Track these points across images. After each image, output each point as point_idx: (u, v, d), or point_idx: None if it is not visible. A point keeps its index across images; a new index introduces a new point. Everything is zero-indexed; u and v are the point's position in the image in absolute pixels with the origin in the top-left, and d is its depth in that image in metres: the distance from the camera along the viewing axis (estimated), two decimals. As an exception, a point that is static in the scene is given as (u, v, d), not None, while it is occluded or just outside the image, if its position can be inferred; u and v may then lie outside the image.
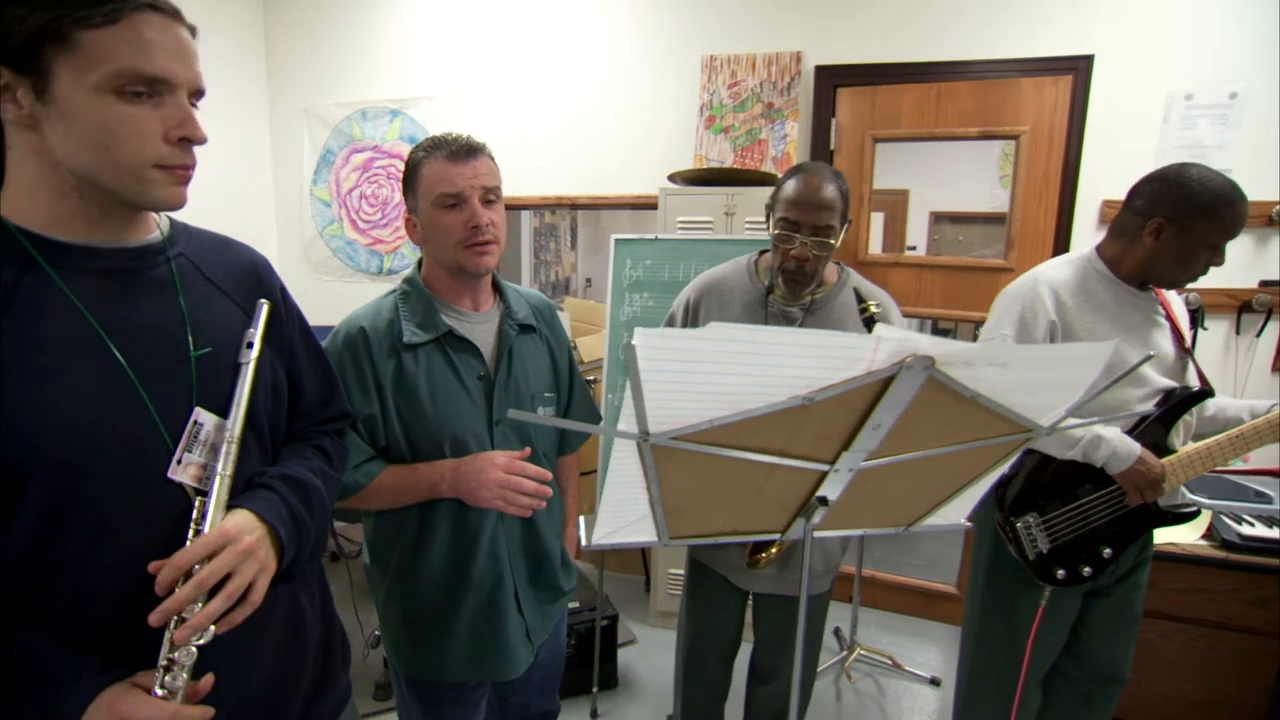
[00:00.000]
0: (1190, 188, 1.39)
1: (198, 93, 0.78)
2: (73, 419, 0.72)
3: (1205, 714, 2.03)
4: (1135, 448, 1.45)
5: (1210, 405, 1.58)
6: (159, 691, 0.72)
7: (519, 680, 1.42)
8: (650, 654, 2.71)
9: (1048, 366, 0.67)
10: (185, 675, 0.74)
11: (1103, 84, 2.46)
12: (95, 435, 0.73)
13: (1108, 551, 1.53)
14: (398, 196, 3.32)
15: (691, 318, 1.63)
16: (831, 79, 2.75)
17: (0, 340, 0.70)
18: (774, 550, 1.43)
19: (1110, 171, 2.45)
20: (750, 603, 1.75)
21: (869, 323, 1.35)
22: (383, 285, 3.50)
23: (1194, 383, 1.55)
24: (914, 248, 5.02)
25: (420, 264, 1.31)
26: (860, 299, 1.40)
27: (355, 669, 2.56)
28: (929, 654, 2.74)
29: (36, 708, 0.69)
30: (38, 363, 0.71)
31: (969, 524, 0.90)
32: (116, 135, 0.71)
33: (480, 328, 1.28)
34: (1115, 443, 1.45)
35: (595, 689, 2.41)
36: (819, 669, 2.55)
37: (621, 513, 0.73)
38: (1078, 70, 2.49)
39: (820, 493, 0.75)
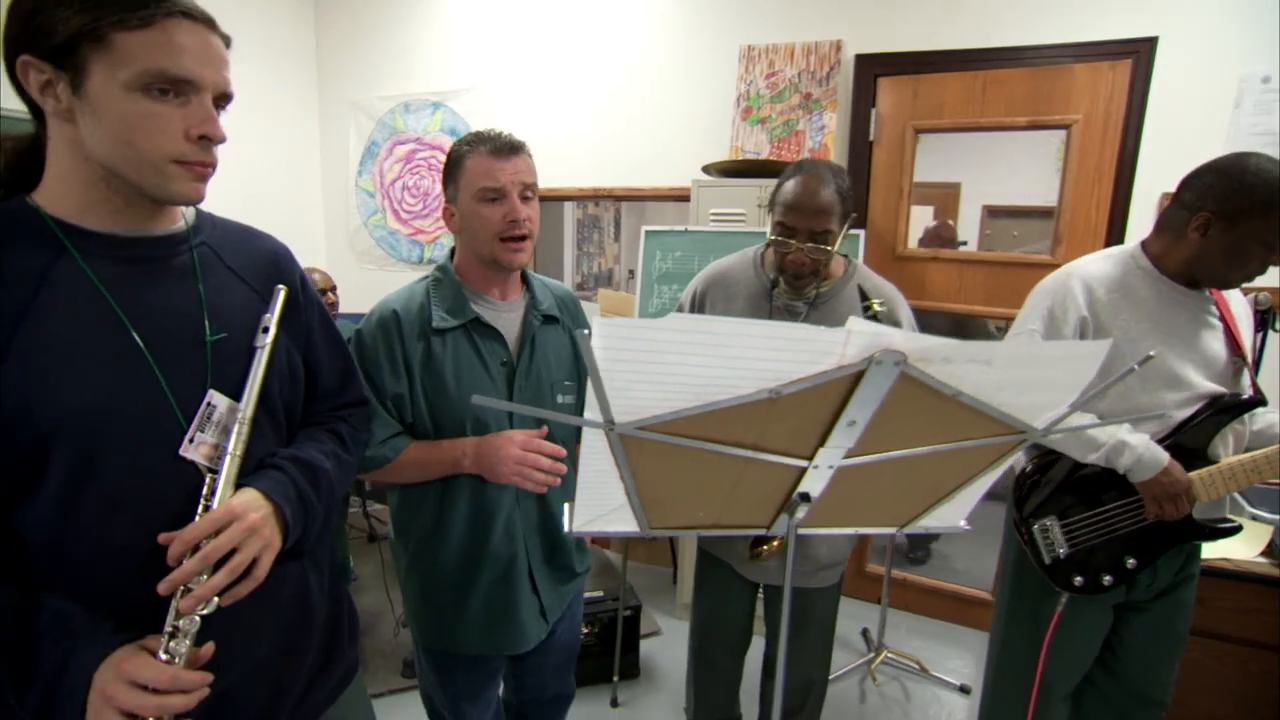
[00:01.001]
0: (1244, 180, 1.29)
1: (224, 97, 0.82)
2: (92, 397, 0.76)
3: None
4: (1162, 457, 1.37)
5: (1260, 418, 1.48)
6: (163, 655, 0.75)
7: (535, 660, 1.48)
8: (674, 646, 2.71)
9: (1036, 365, 0.63)
10: (188, 642, 0.77)
11: (1167, 67, 2.31)
12: (113, 413, 0.77)
13: (1131, 562, 1.46)
14: (438, 188, 3.38)
15: (698, 309, 1.62)
16: (872, 68, 2.68)
17: (30, 321, 0.74)
18: (775, 544, 1.42)
19: (1172, 162, 2.28)
20: (762, 595, 1.75)
21: (871, 320, 1.32)
22: (423, 274, 3.57)
23: (1247, 390, 1.46)
24: (965, 243, 4.85)
25: (453, 253, 1.36)
26: (864, 296, 1.37)
27: (386, 646, 2.64)
28: (959, 661, 2.66)
29: (55, 660, 0.73)
30: (63, 343, 0.75)
31: (968, 527, 0.87)
32: (140, 130, 0.75)
33: (506, 316, 1.33)
34: (1140, 450, 1.37)
35: (616, 678, 2.42)
36: (843, 670, 2.53)
37: (599, 501, 0.73)
38: (1139, 53, 2.35)
39: (801, 489, 0.74)
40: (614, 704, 2.40)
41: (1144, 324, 1.42)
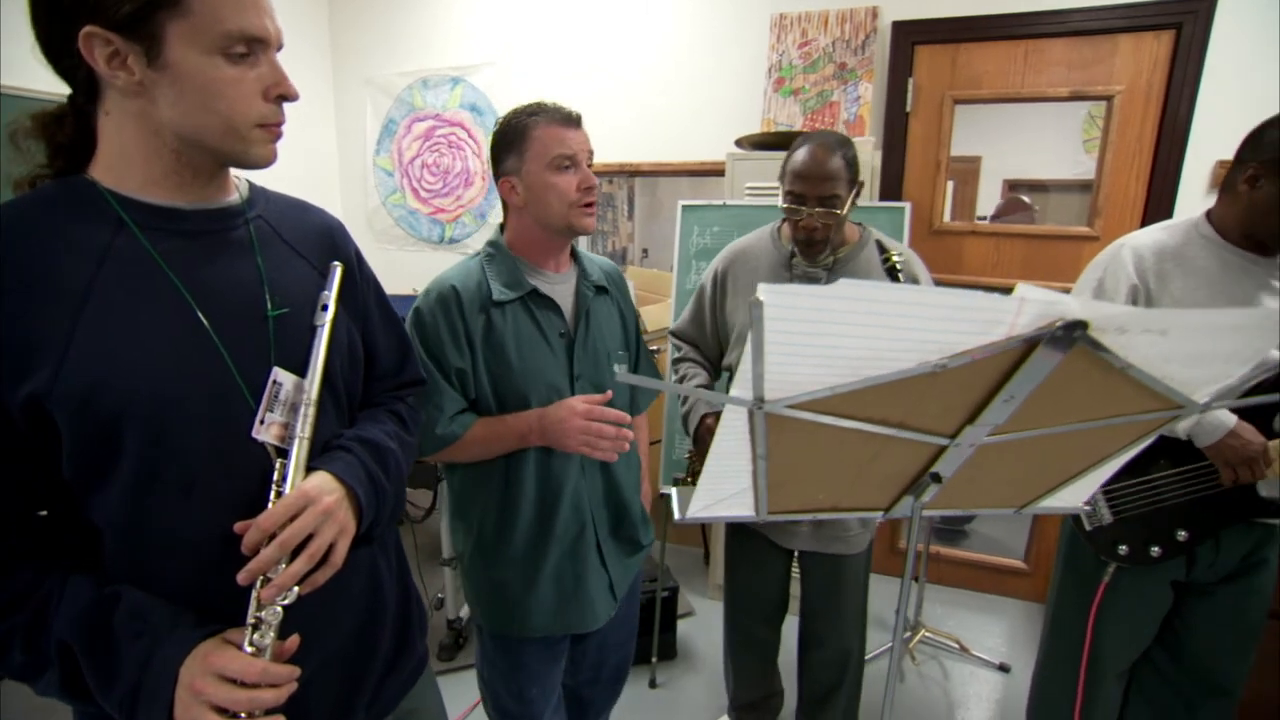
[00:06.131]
0: None
1: (280, 46, 0.79)
2: (160, 375, 0.73)
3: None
4: (1228, 419, 1.33)
5: None
6: (248, 648, 0.72)
7: (598, 636, 1.48)
8: (708, 626, 2.69)
9: (1216, 335, 0.59)
10: (272, 634, 0.74)
11: (1226, 28, 2.23)
12: (181, 391, 0.74)
13: (1183, 534, 1.42)
14: (459, 165, 3.31)
15: (720, 288, 1.67)
16: (910, 35, 2.60)
17: (94, 300, 0.70)
18: None
19: (1226, 129, 2.22)
20: (797, 566, 1.77)
21: (891, 272, 1.40)
22: (444, 254, 3.53)
23: None
24: (984, 217, 4.82)
25: (502, 227, 1.34)
26: (883, 249, 1.43)
27: (420, 630, 2.62)
28: (997, 639, 2.65)
29: (138, 656, 0.70)
30: (128, 321, 0.72)
31: (1087, 508, 0.83)
32: (224, 97, 0.72)
33: (560, 288, 1.33)
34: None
35: (654, 659, 2.41)
36: (880, 649, 2.51)
37: (721, 485, 0.69)
38: (1196, 14, 2.26)
39: (934, 469, 0.70)
40: (652, 685, 2.39)
41: (1199, 292, 1.37)
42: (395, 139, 3.41)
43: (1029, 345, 0.56)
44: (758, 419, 0.59)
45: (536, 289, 1.28)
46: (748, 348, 0.53)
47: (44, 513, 0.75)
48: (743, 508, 0.74)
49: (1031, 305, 0.55)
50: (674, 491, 0.71)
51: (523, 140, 1.23)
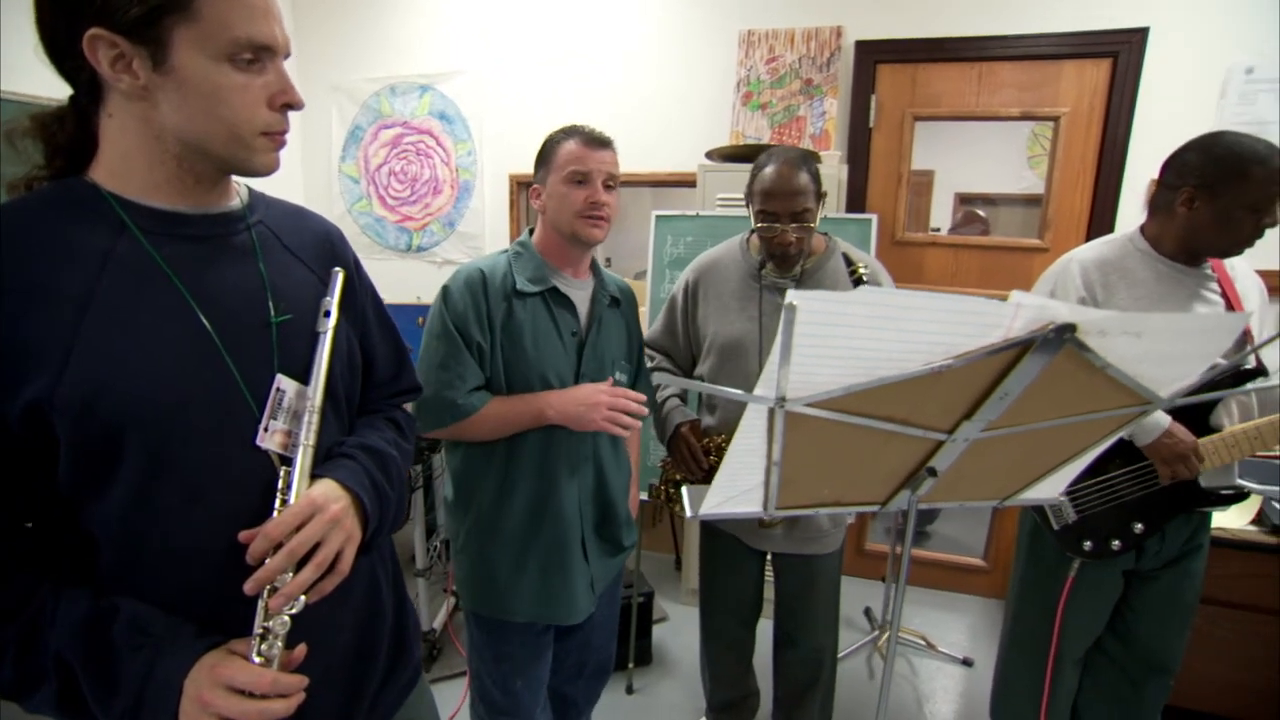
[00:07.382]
0: (1220, 151, 1.37)
1: (287, 54, 0.78)
2: (164, 381, 0.72)
3: (1255, 701, 2.02)
4: (1163, 420, 1.43)
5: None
6: (256, 659, 0.71)
7: (580, 635, 1.55)
8: (682, 631, 2.72)
9: (1182, 338, 0.66)
10: (280, 644, 0.73)
11: (1157, 58, 2.41)
12: (185, 398, 0.73)
13: (1139, 527, 1.52)
14: (427, 173, 3.30)
15: (691, 298, 1.71)
16: (872, 55, 2.71)
17: (95, 303, 0.69)
18: None
19: (1160, 150, 2.38)
20: (770, 567, 1.81)
21: (858, 283, 1.44)
22: (411, 262, 3.50)
23: (1250, 362, 1.53)
24: (938, 229, 5.01)
25: (531, 231, 1.46)
26: (849, 262, 1.48)
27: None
28: (961, 634, 2.75)
29: (139, 668, 0.69)
30: (130, 326, 0.71)
31: (1062, 498, 0.90)
32: (230, 104, 0.71)
33: (578, 293, 1.43)
34: None
35: (631, 665, 2.43)
36: (850, 649, 2.58)
37: (736, 482, 0.73)
38: (1130, 44, 2.43)
39: (931, 463, 0.75)
40: (629, 691, 2.41)
41: (1141, 302, 1.48)
42: (361, 146, 3.37)
43: (1024, 347, 0.61)
44: (778, 417, 0.63)
45: (557, 287, 1.38)
46: (775, 348, 0.57)
47: (29, 525, 0.73)
48: (752, 504, 0.78)
49: (1026, 310, 0.60)
50: (685, 490, 0.74)
51: (551, 155, 1.37)
